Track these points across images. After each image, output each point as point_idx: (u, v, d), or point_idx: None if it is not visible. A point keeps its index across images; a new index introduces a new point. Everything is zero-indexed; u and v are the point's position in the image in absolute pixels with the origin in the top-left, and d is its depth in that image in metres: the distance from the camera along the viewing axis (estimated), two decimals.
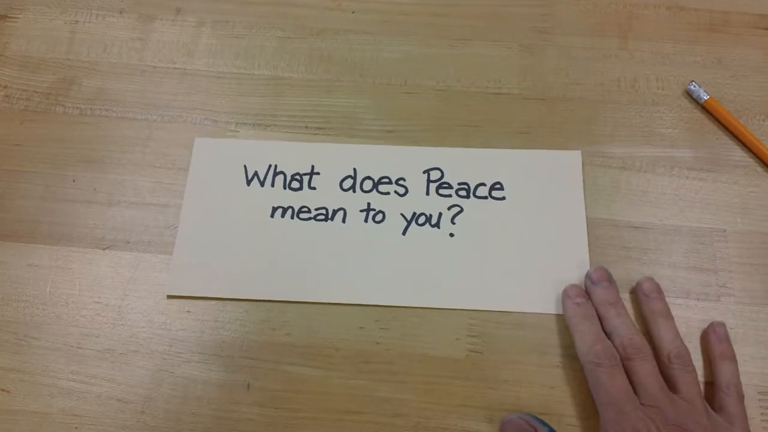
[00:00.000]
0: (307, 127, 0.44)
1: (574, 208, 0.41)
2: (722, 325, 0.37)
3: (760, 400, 0.36)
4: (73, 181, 0.42)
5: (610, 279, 0.37)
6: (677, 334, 0.36)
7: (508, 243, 0.40)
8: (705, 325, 0.38)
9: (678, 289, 0.39)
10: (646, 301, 0.37)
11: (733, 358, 0.36)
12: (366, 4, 0.48)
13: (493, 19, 0.48)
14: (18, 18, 0.47)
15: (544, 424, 0.34)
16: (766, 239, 0.40)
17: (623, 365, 0.34)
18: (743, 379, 0.36)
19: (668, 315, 0.37)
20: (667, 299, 0.38)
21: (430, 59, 0.46)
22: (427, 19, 0.48)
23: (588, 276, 0.38)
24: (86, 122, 0.44)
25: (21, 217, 0.41)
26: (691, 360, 0.34)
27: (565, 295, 0.37)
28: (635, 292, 0.38)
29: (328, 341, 0.38)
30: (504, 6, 0.48)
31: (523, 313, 0.38)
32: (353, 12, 0.48)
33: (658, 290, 0.38)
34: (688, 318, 0.38)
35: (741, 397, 0.34)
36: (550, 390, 0.36)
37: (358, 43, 0.47)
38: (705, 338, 0.37)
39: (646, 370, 0.33)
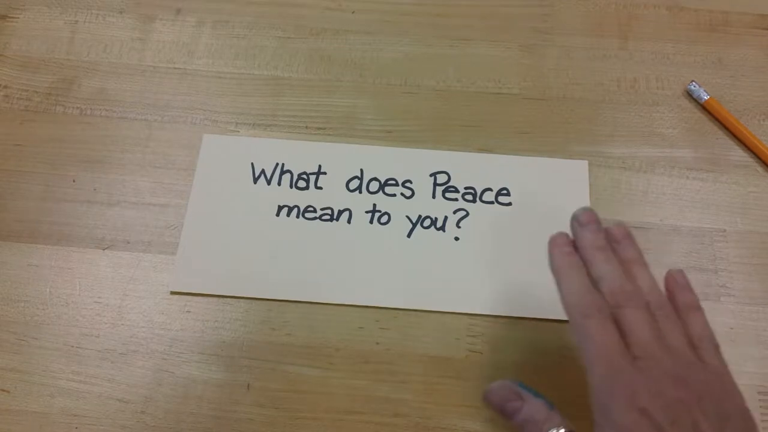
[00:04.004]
0: (307, 127, 0.44)
1: None
2: (681, 272, 0.33)
3: (760, 400, 0.36)
4: (73, 181, 0.42)
5: (598, 222, 0.33)
6: (655, 282, 0.31)
7: (513, 248, 0.40)
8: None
9: None
10: (616, 249, 0.32)
11: (699, 307, 0.31)
12: (366, 4, 0.48)
13: (493, 19, 0.48)
14: (18, 18, 0.47)
15: (530, 390, 0.31)
16: (766, 239, 0.40)
17: (613, 314, 0.29)
18: (743, 379, 0.36)
19: (642, 262, 0.32)
20: None
21: (430, 59, 0.46)
22: (427, 19, 0.48)
23: (575, 217, 0.33)
24: (86, 122, 0.44)
25: (21, 217, 0.41)
26: (673, 310, 0.31)
27: (552, 243, 0.33)
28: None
29: (328, 341, 0.38)
30: (504, 6, 0.48)
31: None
32: (353, 12, 0.48)
33: (629, 236, 0.33)
34: None
35: (717, 348, 0.30)
36: (550, 390, 0.36)
37: (358, 43, 0.47)
38: (666, 289, 0.33)
39: (638, 317, 0.29)
